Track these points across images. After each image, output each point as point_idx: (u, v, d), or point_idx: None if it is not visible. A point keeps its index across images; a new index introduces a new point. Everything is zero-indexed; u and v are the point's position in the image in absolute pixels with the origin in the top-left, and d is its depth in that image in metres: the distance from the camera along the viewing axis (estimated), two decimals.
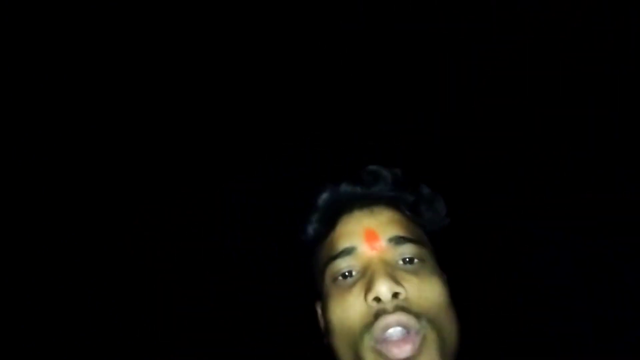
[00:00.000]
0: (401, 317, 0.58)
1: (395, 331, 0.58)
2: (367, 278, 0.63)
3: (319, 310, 0.75)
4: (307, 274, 0.77)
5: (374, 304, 0.60)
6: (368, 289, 0.61)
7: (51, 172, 2.21)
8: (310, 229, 0.73)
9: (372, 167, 0.75)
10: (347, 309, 0.62)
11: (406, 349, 0.56)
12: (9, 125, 2.10)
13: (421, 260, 0.66)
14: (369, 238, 0.66)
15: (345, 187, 0.73)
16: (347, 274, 0.66)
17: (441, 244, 0.74)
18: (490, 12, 2.01)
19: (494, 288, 2.29)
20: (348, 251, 0.66)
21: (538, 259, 2.34)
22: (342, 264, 0.66)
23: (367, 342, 0.59)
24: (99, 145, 2.24)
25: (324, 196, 0.73)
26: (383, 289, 0.59)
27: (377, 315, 0.59)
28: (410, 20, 2.07)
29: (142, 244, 2.39)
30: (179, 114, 2.27)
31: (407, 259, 0.65)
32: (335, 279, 0.66)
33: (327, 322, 0.67)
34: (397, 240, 0.66)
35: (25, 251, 2.25)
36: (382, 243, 0.66)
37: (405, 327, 0.58)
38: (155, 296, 2.53)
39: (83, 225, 2.32)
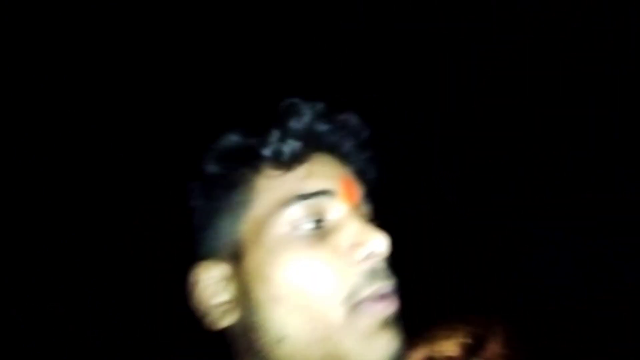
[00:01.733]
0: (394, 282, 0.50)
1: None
2: (349, 230, 0.50)
3: (216, 274, 0.53)
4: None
5: (362, 263, 0.48)
6: (358, 242, 0.48)
7: (51, 172, 2.21)
8: (287, 148, 0.52)
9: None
10: (322, 269, 0.47)
11: (393, 305, 0.48)
12: (9, 125, 2.10)
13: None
14: (348, 187, 0.53)
15: (320, 126, 0.57)
16: (318, 221, 0.50)
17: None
18: (490, 12, 2.01)
19: (494, 288, 2.29)
20: (326, 193, 0.50)
21: (538, 259, 2.34)
22: (316, 208, 0.50)
23: (343, 309, 0.46)
24: (98, 145, 2.24)
25: (301, 119, 0.55)
26: (382, 242, 0.48)
27: (370, 277, 0.47)
28: (410, 20, 2.07)
29: (142, 244, 2.39)
30: (178, 114, 2.27)
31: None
32: (296, 227, 0.49)
33: (269, 288, 0.48)
34: (365, 199, 0.56)
35: (25, 251, 2.25)
36: (360, 197, 0.54)
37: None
38: (155, 296, 2.53)
39: (83, 225, 2.32)
